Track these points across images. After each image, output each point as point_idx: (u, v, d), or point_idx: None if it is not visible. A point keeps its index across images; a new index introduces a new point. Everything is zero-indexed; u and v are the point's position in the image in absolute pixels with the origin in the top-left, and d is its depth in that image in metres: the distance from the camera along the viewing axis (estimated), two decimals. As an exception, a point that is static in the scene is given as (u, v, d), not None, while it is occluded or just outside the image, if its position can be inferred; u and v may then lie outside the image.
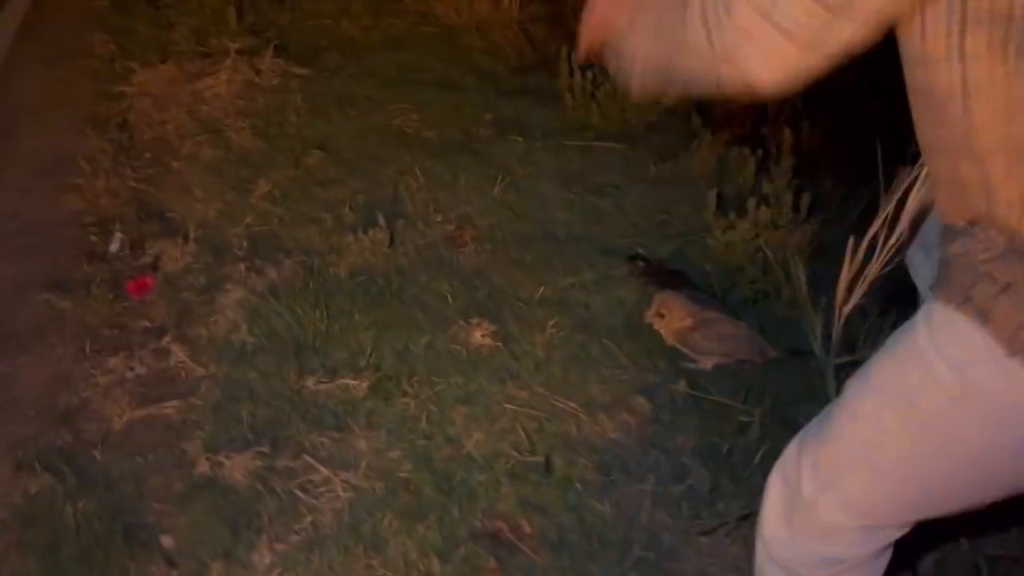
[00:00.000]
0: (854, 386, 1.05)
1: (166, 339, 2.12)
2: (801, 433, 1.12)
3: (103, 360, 2.07)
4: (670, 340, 2.06)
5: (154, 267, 2.39)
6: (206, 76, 3.36)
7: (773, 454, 1.25)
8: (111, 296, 2.27)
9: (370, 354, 2.00)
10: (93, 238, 2.51)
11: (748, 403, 1.87)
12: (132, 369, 2.05)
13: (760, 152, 2.91)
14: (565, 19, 4.06)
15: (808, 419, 1.13)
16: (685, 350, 2.04)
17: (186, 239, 2.44)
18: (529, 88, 3.57)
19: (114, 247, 2.48)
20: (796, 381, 1.91)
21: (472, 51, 3.86)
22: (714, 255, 2.47)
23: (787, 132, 2.77)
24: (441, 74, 3.60)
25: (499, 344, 2.07)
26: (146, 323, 2.20)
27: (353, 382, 1.94)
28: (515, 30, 4.06)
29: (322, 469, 1.73)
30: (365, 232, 2.40)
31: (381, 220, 2.40)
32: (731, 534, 1.60)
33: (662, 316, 2.07)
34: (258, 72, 3.40)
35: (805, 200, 2.48)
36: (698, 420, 1.86)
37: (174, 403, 1.94)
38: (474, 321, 2.13)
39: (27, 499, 1.70)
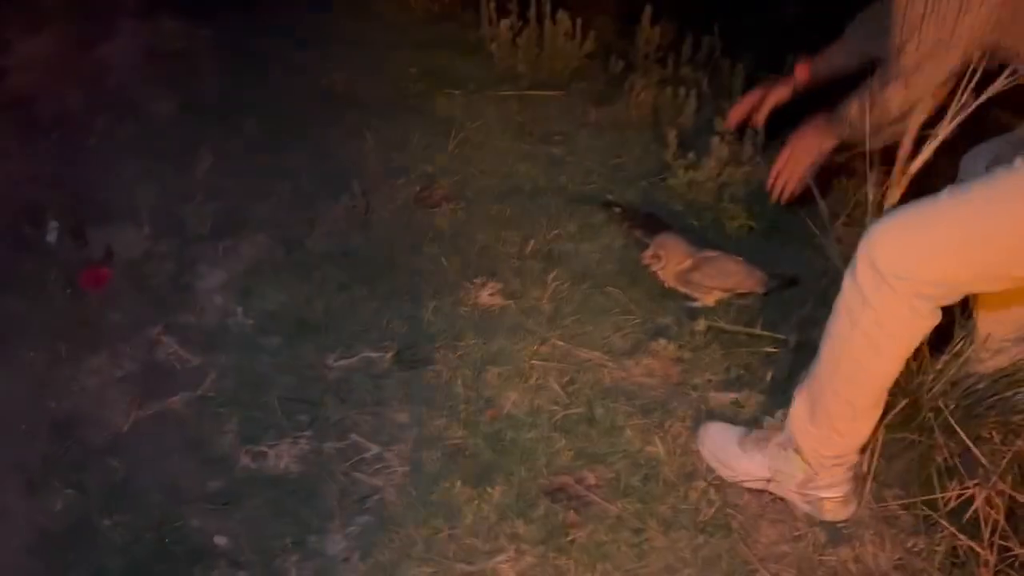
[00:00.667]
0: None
1: (151, 331, 1.97)
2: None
3: (84, 362, 1.91)
4: (669, 282, 2.11)
5: (108, 256, 2.20)
6: (102, 42, 3.07)
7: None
8: (68, 292, 2.08)
9: (385, 325, 1.94)
10: (25, 231, 2.28)
11: (767, 329, 1.95)
12: (121, 367, 1.91)
13: (695, 92, 2.99)
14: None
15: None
16: (686, 290, 2.10)
17: (137, 223, 2.26)
18: (446, 39, 3.50)
19: (51, 238, 2.27)
20: (807, 305, 2.00)
21: (377, 3, 3.73)
22: (679, 195, 2.54)
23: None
24: (353, 32, 3.46)
25: (509, 302, 2.06)
26: (118, 317, 2.03)
27: (375, 355, 1.88)
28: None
29: (372, 446, 1.69)
30: (337, 200, 2.31)
31: (356, 187, 2.30)
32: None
33: (659, 259, 2.11)
34: (158, 35, 3.15)
35: (760, 135, 2.58)
36: (721, 354, 1.93)
37: (182, 397, 1.82)
38: (477, 281, 2.11)
39: (55, 520, 1.56)
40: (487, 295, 2.06)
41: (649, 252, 2.12)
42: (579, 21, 3.23)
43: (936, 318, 1.34)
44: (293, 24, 3.40)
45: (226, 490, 1.62)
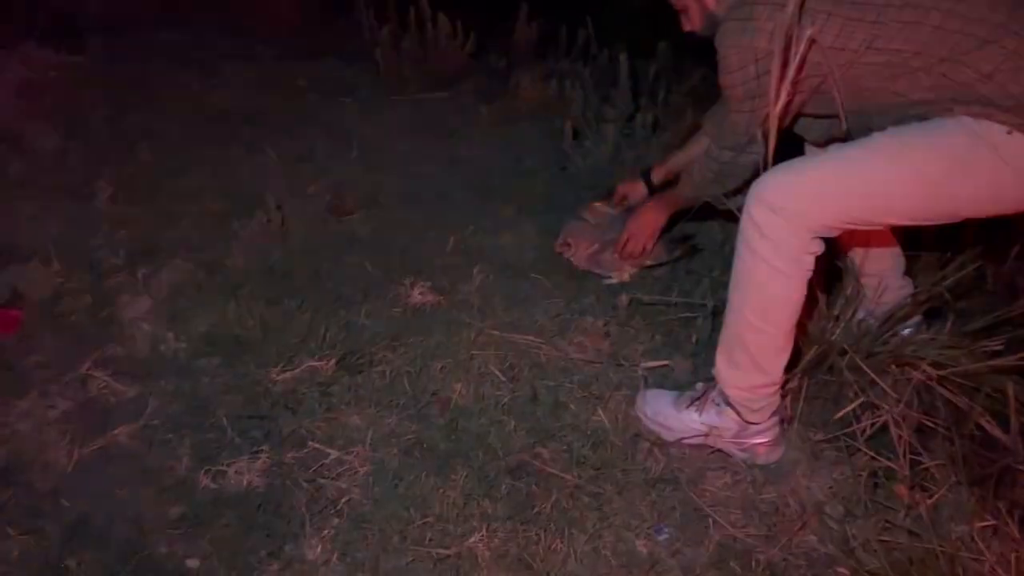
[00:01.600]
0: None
1: (79, 367, 1.93)
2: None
3: (10, 407, 1.85)
4: (582, 266, 2.24)
5: (16, 298, 2.13)
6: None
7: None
8: (-23, 337, 2.01)
9: (323, 334, 1.98)
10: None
11: (683, 296, 2.10)
12: (54, 407, 1.86)
13: (578, 83, 3.14)
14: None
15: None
16: (599, 271, 2.23)
17: (44, 261, 2.20)
18: (329, 49, 3.53)
19: (-54, 283, 2.17)
20: (715, 271, 2.16)
21: (250, 17, 3.71)
22: (580, 181, 2.67)
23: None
24: (232, 48, 3.43)
25: (440, 299, 2.13)
26: (40, 358, 1.98)
27: (318, 363, 1.91)
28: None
29: (331, 451, 1.72)
30: (249, 217, 2.31)
31: (269, 202, 2.31)
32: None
33: (569, 246, 2.24)
34: (29, 66, 3.03)
35: (649, 117, 2.74)
36: (646, 324, 2.07)
37: (124, 429, 1.80)
38: (406, 282, 2.16)
39: (16, 568, 1.53)
40: (418, 294, 2.12)
41: (559, 241, 2.24)
42: (459, 23, 3.31)
43: (821, 246, 1.54)
44: (167, 45, 3.34)
45: (190, 514, 1.62)
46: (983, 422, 1.71)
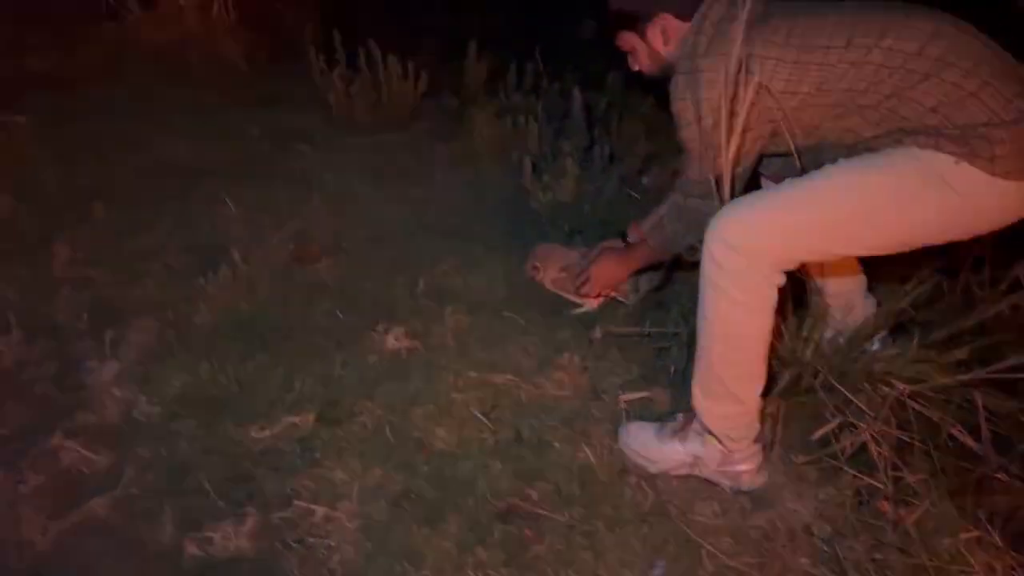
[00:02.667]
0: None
1: (49, 438, 1.87)
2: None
3: (-21, 484, 1.79)
4: (548, 287, 2.25)
5: (-24, 369, 2.07)
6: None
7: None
8: (-59, 415, 1.95)
9: (300, 388, 1.95)
10: None
11: (656, 326, 2.13)
12: (24, 482, 1.80)
13: (532, 117, 3.17)
14: (281, 17, 4.01)
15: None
16: (566, 296, 2.25)
17: (4, 329, 2.13)
18: (279, 95, 3.51)
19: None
20: (683, 298, 2.20)
21: (196, 67, 3.67)
22: (543, 216, 2.69)
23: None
24: (180, 97, 3.40)
25: (415, 343, 2.12)
26: (5, 431, 1.92)
27: (297, 419, 1.89)
28: (231, 38, 3.92)
29: (318, 508, 1.70)
30: (215, 272, 2.28)
31: (233, 255, 2.28)
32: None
33: (537, 269, 2.25)
34: (-29, 129, 2.96)
35: (605, 148, 2.78)
36: (622, 357, 2.08)
37: (102, 500, 1.75)
38: (379, 329, 2.15)
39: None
40: (392, 340, 2.11)
41: (529, 264, 2.25)
42: (409, 63, 3.32)
43: (782, 278, 1.57)
44: (113, 99, 3.29)
45: (179, 583, 1.59)
46: (955, 432, 1.76)
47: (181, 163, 2.88)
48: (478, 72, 3.53)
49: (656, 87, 3.32)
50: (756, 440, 1.75)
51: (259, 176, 2.85)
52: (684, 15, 1.73)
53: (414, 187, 2.90)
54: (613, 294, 2.25)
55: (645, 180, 2.77)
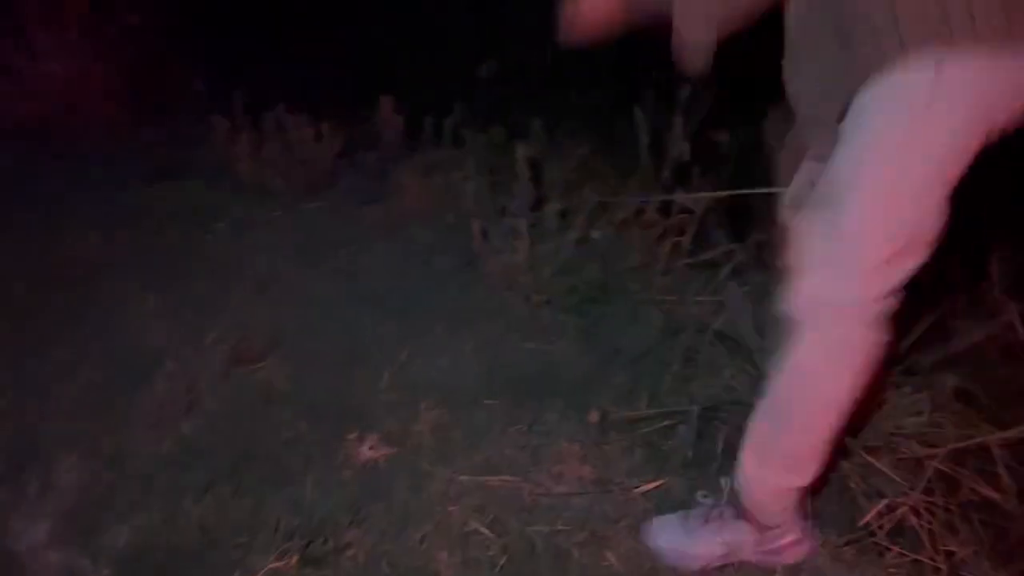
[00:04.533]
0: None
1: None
2: None
3: None
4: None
5: None
6: None
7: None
8: None
9: (274, 524, 1.70)
10: None
11: (654, 406, 1.98)
12: None
13: (461, 173, 3.00)
14: (170, 75, 3.70)
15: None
16: None
17: None
18: (182, 168, 3.22)
19: None
20: (674, 365, 2.07)
21: (80, 141, 3.34)
22: (496, 281, 2.52)
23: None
24: (63, 179, 3.06)
25: (393, 449, 1.90)
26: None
27: (278, 564, 1.63)
28: (116, 105, 3.59)
29: (325, 675, 1.46)
30: (146, 386, 1.99)
31: (166, 363, 2.00)
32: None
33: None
34: None
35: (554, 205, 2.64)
36: (624, 442, 1.92)
37: None
38: (350, 437, 1.92)
39: None
40: (367, 450, 1.89)
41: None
42: (323, 123, 3.11)
43: (882, 328, 1.38)
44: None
45: None
46: (984, 491, 1.69)
47: (81, 258, 2.56)
48: (394, 124, 3.34)
49: (585, 134, 3.25)
50: (797, 510, 1.62)
51: (175, 264, 2.56)
52: None
53: (348, 261, 2.68)
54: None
55: (596, 235, 2.64)
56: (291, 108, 3.15)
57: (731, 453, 1.63)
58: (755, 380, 1.83)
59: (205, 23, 3.82)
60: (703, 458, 1.80)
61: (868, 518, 1.62)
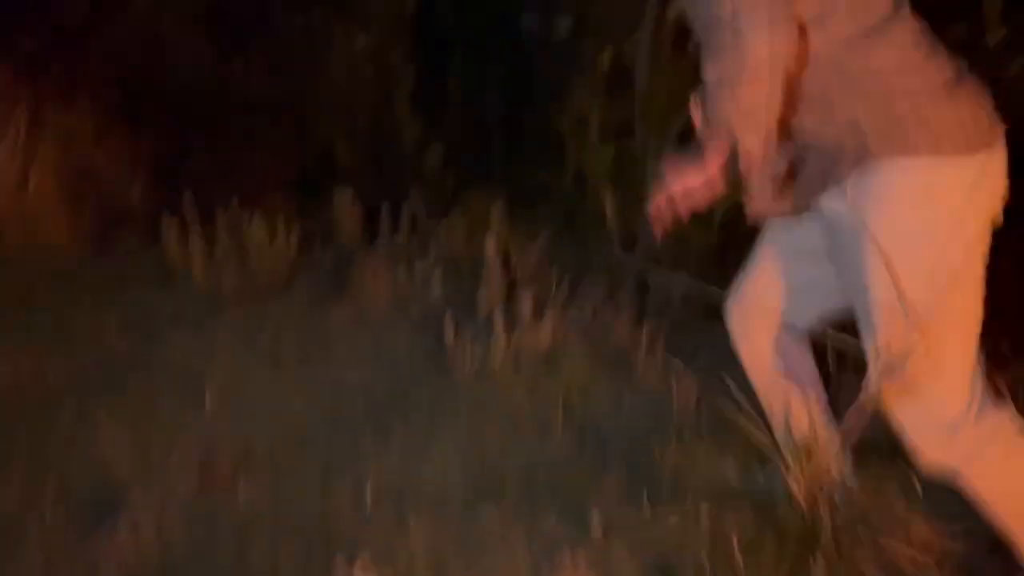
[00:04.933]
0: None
1: None
2: None
3: None
4: None
5: None
6: None
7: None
8: None
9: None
10: None
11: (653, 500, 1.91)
12: None
13: (424, 263, 2.95)
14: (108, 182, 3.58)
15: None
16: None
17: None
18: (128, 275, 3.08)
19: None
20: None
21: (18, 257, 3.18)
22: (469, 385, 2.44)
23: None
24: (3, 300, 2.89)
25: (385, 572, 1.77)
26: None
27: None
28: (54, 215, 3.44)
29: None
30: (112, 517, 1.85)
31: (131, 492, 1.86)
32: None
33: None
34: None
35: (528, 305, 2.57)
36: (630, 552, 1.81)
37: None
38: (339, 559, 1.79)
39: None
40: (359, 573, 1.75)
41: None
42: (279, 218, 3.04)
43: (997, 409, 1.47)
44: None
45: None
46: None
47: (29, 382, 2.40)
48: (352, 217, 3.28)
49: (545, 224, 3.22)
50: None
51: (131, 381, 2.42)
52: None
53: (313, 366, 2.58)
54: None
55: (573, 319, 2.59)
56: (238, 201, 3.08)
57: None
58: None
59: (145, 124, 3.74)
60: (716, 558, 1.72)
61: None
